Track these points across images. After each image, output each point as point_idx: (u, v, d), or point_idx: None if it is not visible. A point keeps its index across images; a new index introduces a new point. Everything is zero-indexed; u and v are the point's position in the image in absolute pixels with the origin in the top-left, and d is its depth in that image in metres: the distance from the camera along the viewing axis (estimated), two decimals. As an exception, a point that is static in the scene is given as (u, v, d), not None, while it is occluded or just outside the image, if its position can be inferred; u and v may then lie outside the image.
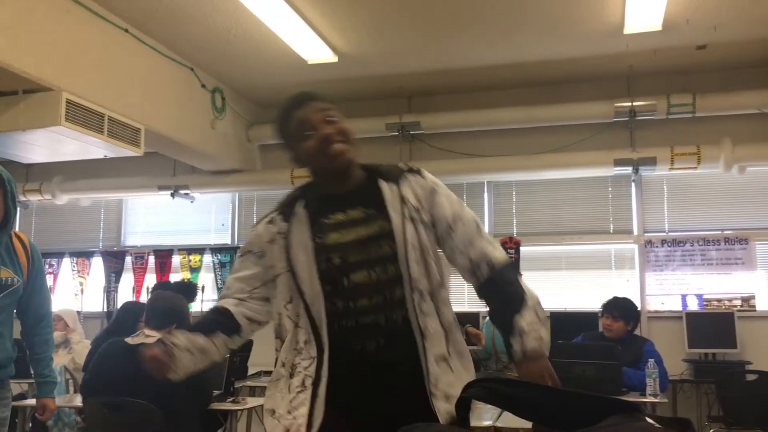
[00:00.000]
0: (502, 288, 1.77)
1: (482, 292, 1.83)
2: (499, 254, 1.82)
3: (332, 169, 1.87)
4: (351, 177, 1.89)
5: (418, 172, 1.93)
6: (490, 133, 6.52)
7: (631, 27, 5.17)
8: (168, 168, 7.22)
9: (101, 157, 5.45)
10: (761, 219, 6.09)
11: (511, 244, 6.41)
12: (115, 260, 7.49)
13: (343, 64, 5.85)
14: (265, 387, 2.14)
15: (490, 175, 6.58)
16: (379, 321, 1.77)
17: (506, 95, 6.47)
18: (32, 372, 3.09)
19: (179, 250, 7.34)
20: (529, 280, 6.52)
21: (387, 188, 1.85)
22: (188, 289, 5.66)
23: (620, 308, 4.80)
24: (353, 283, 1.78)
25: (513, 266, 1.85)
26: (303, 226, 1.85)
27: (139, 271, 7.43)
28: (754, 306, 5.94)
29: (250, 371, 5.52)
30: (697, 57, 5.80)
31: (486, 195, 6.72)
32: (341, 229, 1.83)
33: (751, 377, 5.08)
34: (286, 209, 1.90)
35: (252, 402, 4.24)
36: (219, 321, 1.93)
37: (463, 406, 1.52)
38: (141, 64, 5.37)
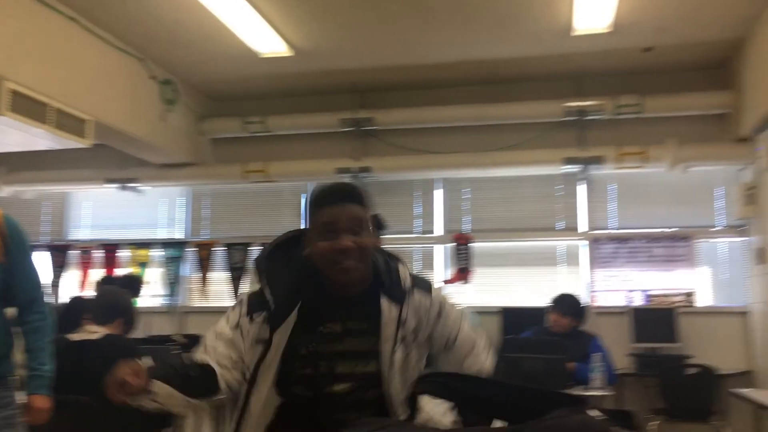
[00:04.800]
0: None
1: None
2: (489, 365, 1.95)
3: (335, 281, 1.81)
4: (355, 286, 1.83)
5: (426, 288, 1.87)
6: (442, 129, 6.56)
7: (580, 28, 5.27)
8: (116, 160, 7.05)
9: (46, 148, 5.31)
10: (702, 218, 6.27)
11: (463, 241, 6.47)
12: (59, 254, 7.31)
13: (297, 58, 5.82)
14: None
15: (442, 172, 6.61)
16: (350, 417, 1.75)
17: (459, 92, 6.52)
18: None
19: (127, 244, 7.20)
20: (481, 276, 6.56)
21: (387, 308, 1.79)
22: (133, 283, 5.56)
23: (569, 305, 4.90)
24: (332, 391, 1.77)
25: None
26: (286, 334, 1.77)
27: (85, 266, 7.25)
28: (695, 302, 6.12)
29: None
30: (644, 59, 5.94)
31: (438, 192, 6.77)
32: (336, 340, 1.79)
33: (692, 371, 5.25)
34: (279, 310, 1.78)
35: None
36: (202, 383, 1.80)
37: (412, 401, 1.54)
38: (89, 53, 5.25)
